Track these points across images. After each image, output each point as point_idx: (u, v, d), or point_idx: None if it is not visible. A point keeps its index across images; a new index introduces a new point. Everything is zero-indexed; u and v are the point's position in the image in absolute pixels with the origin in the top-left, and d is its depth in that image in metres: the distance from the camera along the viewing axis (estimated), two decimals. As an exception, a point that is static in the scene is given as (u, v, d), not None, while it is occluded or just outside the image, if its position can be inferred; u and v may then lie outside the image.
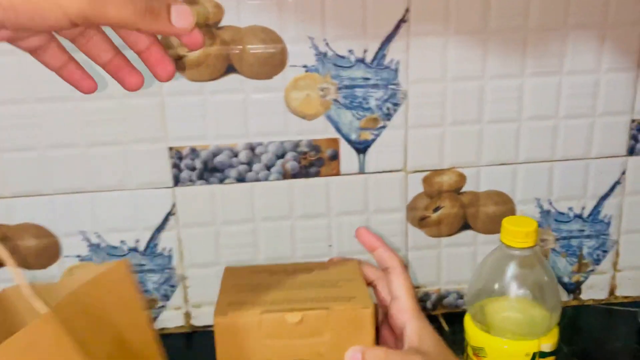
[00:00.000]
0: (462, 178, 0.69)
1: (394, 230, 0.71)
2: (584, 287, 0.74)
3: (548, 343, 0.44)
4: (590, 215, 0.71)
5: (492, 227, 0.71)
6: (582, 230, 0.72)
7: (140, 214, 0.67)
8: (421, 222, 0.71)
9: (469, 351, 0.47)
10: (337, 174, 0.68)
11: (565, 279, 0.74)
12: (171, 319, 0.71)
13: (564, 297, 0.74)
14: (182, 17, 0.36)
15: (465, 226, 0.71)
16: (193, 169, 0.66)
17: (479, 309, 0.47)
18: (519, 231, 0.43)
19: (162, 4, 0.35)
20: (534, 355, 0.44)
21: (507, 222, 0.44)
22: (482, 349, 0.45)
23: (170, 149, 0.65)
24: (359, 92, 0.65)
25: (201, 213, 0.68)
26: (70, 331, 0.37)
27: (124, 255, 0.68)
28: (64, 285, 0.41)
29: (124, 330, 0.41)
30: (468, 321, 0.47)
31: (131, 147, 0.65)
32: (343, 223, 0.70)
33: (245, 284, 0.50)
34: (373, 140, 0.67)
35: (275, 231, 0.69)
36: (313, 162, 0.67)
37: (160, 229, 0.68)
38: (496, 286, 0.47)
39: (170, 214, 0.67)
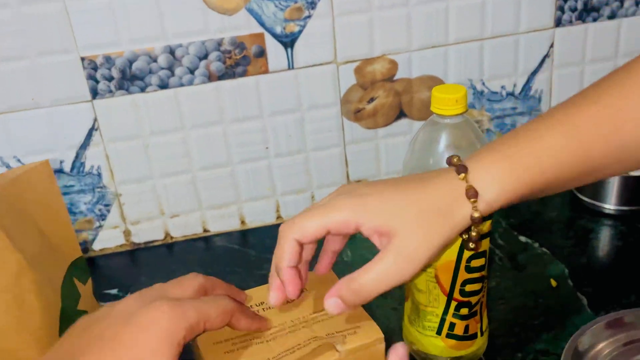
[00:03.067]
0: (394, 65, 0.68)
1: (329, 126, 0.69)
2: (519, 164, 0.76)
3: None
4: (521, 91, 0.72)
5: (427, 113, 0.70)
6: (515, 108, 0.73)
7: (60, 132, 0.63)
8: (356, 115, 0.69)
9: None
10: (266, 71, 0.65)
11: (501, 158, 0.75)
12: (111, 238, 0.69)
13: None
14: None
15: (401, 114, 0.70)
16: (110, 78, 0.62)
17: (416, 185, 0.47)
18: (448, 98, 0.42)
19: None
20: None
21: (436, 91, 0.43)
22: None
23: (83, 59, 0.61)
24: (278, -21, 0.61)
25: (126, 125, 0.64)
26: (2, 228, 0.36)
27: (49, 178, 0.64)
28: None
29: (45, 226, 0.40)
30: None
31: (38, 60, 0.60)
32: (277, 123, 0.68)
33: (227, 336, 0.40)
34: (299, 32, 0.64)
35: (207, 138, 0.67)
36: (239, 61, 0.64)
37: (84, 146, 0.64)
38: (431, 161, 0.46)
39: (93, 129, 0.64)
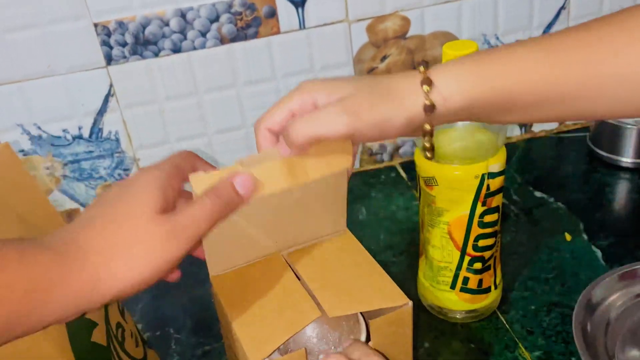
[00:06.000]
0: (406, 22, 0.67)
1: (343, 85, 0.69)
2: (535, 119, 0.75)
3: (496, 164, 0.45)
4: (537, 45, 0.71)
5: (441, 70, 0.70)
6: (530, 62, 0.72)
7: (77, 99, 0.64)
8: (370, 74, 0.69)
9: (421, 183, 0.48)
10: (277, 32, 0.65)
11: (517, 114, 0.75)
12: (131, 202, 0.71)
13: (517, 132, 0.76)
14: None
15: (414, 72, 0.70)
16: (124, 44, 0.62)
17: (428, 142, 0.47)
18: (460, 55, 0.42)
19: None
20: (483, 176, 0.44)
21: (447, 47, 0.43)
22: (433, 178, 0.45)
23: (96, 25, 0.61)
24: (287, -63, 0.60)
25: (141, 91, 0.65)
26: None
27: (69, 144, 0.65)
28: None
29: (23, 210, 0.39)
30: (417, 155, 0.47)
31: (51, 28, 0.60)
32: (291, 85, 0.68)
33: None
34: (310, -8, 0.63)
35: (221, 102, 0.67)
36: (250, 22, 0.64)
37: (101, 112, 0.65)
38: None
39: (109, 95, 0.64)
